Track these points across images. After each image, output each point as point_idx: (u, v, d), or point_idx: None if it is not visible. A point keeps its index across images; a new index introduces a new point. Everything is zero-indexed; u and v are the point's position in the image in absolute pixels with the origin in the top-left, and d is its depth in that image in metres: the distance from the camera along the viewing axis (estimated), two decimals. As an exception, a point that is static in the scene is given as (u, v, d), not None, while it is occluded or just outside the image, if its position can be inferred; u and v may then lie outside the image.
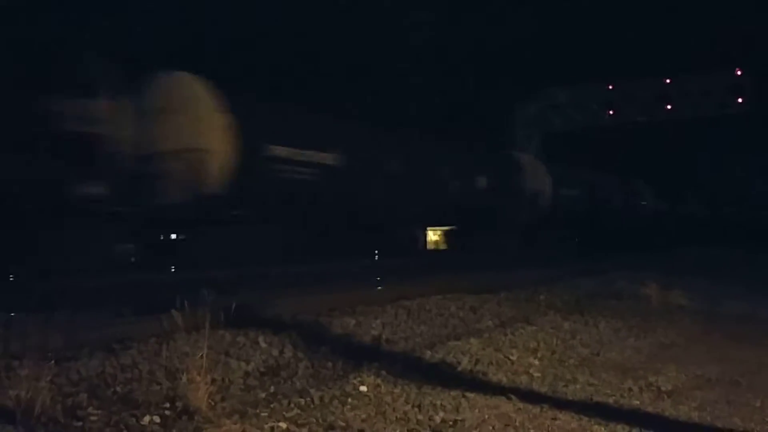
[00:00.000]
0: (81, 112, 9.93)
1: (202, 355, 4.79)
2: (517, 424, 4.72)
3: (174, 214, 11.66)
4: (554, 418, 4.85)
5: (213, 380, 4.85)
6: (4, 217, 9.49)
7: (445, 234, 21.74)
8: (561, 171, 25.27)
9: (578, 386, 5.79)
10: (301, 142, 13.56)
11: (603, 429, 4.70)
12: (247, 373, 5.61)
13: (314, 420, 4.55)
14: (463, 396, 5.16)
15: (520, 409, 5.01)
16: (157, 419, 4.37)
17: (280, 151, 13.04)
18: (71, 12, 24.26)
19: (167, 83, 11.66)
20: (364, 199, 15.39)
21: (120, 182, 10.60)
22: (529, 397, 5.29)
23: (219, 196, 11.95)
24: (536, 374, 6.11)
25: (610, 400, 5.43)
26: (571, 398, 5.42)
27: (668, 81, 35.23)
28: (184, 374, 4.76)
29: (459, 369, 6.13)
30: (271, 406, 4.77)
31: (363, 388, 5.23)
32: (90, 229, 10.49)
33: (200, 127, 11.66)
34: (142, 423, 4.31)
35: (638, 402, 5.43)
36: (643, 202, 32.64)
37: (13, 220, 9.56)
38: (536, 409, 5.01)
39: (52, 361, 4.67)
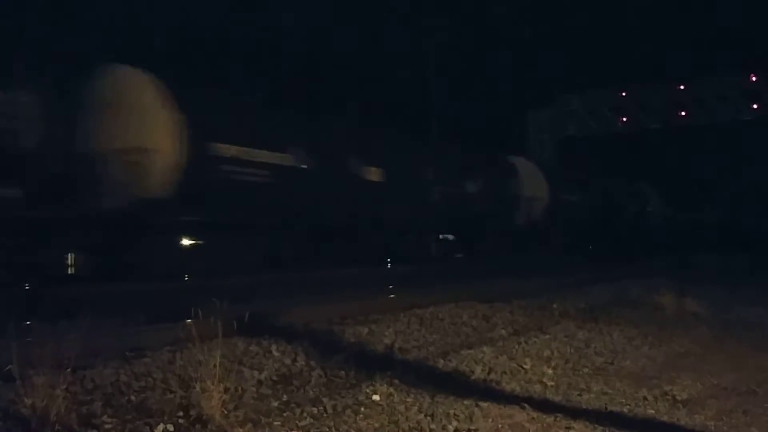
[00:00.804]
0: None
1: (215, 364, 4.80)
2: (531, 433, 4.70)
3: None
4: (568, 428, 4.83)
5: (226, 389, 4.87)
6: None
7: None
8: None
9: (592, 395, 5.75)
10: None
11: (617, 439, 4.67)
12: (260, 382, 5.63)
13: (327, 429, 4.55)
14: (477, 405, 5.14)
15: (533, 418, 4.99)
16: (170, 428, 4.38)
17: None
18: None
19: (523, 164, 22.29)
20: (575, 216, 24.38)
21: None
22: (543, 406, 5.27)
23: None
24: (550, 383, 6.08)
25: (625, 409, 5.40)
26: (585, 407, 5.39)
27: (682, 87, 35.04)
28: (198, 383, 4.78)
29: (472, 378, 6.12)
30: (284, 414, 4.78)
31: (376, 397, 5.23)
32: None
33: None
34: (156, 431, 4.33)
35: (653, 411, 5.39)
36: (650, 209, 33.18)
37: None
38: (550, 419, 4.98)
39: (68, 369, 4.70)
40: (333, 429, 4.56)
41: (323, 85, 31.53)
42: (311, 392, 5.45)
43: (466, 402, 5.20)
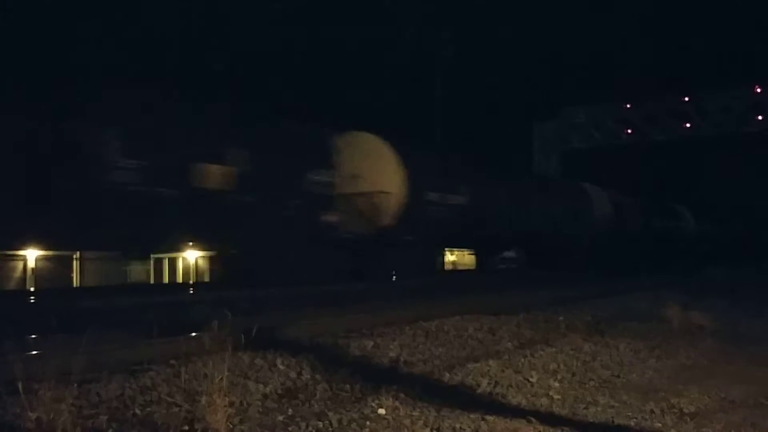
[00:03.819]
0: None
1: (221, 378, 4.79)
2: (538, 447, 4.67)
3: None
4: (575, 442, 4.80)
5: (231, 402, 4.86)
6: None
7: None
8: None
9: (599, 408, 5.72)
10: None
11: (625, 452, 4.64)
12: (265, 396, 5.62)
13: (333, 443, 4.53)
14: (483, 419, 5.12)
15: (540, 431, 4.97)
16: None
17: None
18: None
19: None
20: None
21: None
22: (550, 419, 5.24)
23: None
24: (556, 396, 6.05)
25: (632, 423, 5.36)
26: (591, 420, 5.36)
27: (687, 99, 35.08)
28: (203, 396, 4.77)
29: (478, 391, 6.09)
30: (289, 428, 4.76)
31: (381, 411, 5.21)
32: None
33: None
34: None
35: (660, 424, 5.35)
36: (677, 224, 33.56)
37: None
38: (556, 432, 4.96)
39: (75, 384, 4.70)
40: (338, 443, 4.54)
41: (326, 95, 31.64)
42: (316, 406, 5.44)
43: (472, 416, 5.17)
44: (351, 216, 15.17)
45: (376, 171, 16.19)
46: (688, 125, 35.78)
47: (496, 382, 6.37)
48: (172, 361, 6.22)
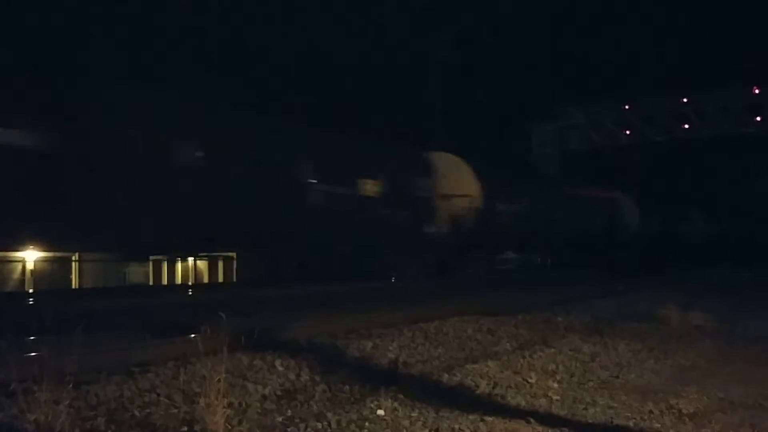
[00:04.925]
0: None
1: (219, 379, 4.79)
2: (536, 448, 4.66)
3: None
4: (574, 442, 4.79)
5: (230, 404, 4.85)
6: None
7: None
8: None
9: (598, 409, 5.72)
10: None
11: (624, 453, 4.64)
12: (264, 397, 5.61)
13: (331, 444, 4.53)
14: (482, 420, 5.12)
15: (539, 432, 4.96)
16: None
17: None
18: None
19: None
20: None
21: None
22: (549, 420, 5.24)
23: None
24: (555, 397, 6.05)
25: (631, 423, 5.36)
26: (590, 421, 5.36)
27: (685, 100, 35.10)
28: (202, 398, 4.77)
29: (477, 392, 6.09)
30: (288, 430, 4.76)
31: (380, 412, 5.21)
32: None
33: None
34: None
35: (659, 425, 5.35)
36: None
37: None
38: (555, 433, 4.95)
39: (71, 385, 4.69)
40: (337, 444, 4.53)
41: (324, 94, 31.63)
42: (315, 407, 5.43)
43: (471, 416, 5.17)
44: None
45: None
46: (686, 126, 35.84)
47: (495, 383, 6.37)
48: (171, 363, 6.22)
